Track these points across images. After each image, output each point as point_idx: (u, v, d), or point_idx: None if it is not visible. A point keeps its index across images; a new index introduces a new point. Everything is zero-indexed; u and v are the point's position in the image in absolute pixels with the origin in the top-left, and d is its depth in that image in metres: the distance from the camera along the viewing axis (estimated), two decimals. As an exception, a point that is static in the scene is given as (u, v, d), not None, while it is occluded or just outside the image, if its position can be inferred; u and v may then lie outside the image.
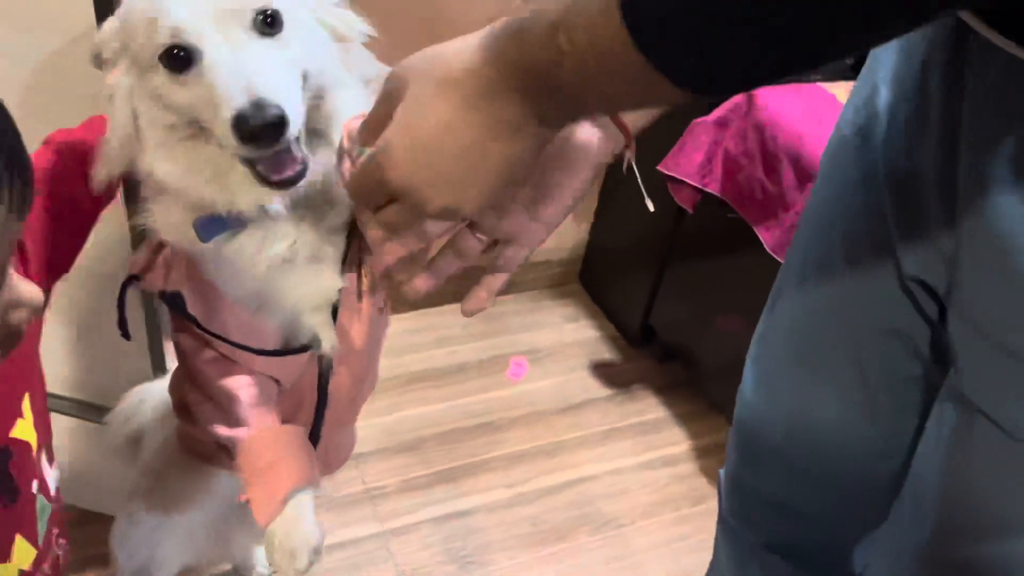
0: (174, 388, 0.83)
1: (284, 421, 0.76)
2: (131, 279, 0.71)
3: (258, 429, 0.72)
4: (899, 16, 0.36)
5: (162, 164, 0.62)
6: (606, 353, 1.70)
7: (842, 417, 0.72)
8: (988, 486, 0.59)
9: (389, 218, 0.50)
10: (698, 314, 1.55)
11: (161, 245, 0.70)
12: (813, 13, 0.35)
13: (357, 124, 0.55)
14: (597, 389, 1.61)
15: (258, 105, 0.54)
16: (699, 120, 1.32)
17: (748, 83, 0.45)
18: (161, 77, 0.59)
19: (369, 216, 0.52)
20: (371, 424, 1.45)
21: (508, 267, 0.58)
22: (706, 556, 0.97)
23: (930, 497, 0.64)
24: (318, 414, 0.79)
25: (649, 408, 1.59)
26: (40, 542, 0.60)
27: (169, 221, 0.66)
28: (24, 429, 0.58)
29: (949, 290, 0.58)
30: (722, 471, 0.90)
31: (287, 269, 0.67)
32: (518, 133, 0.45)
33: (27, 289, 0.47)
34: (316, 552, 0.69)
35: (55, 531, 0.63)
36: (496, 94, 0.44)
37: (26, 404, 0.59)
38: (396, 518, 1.32)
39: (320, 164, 0.63)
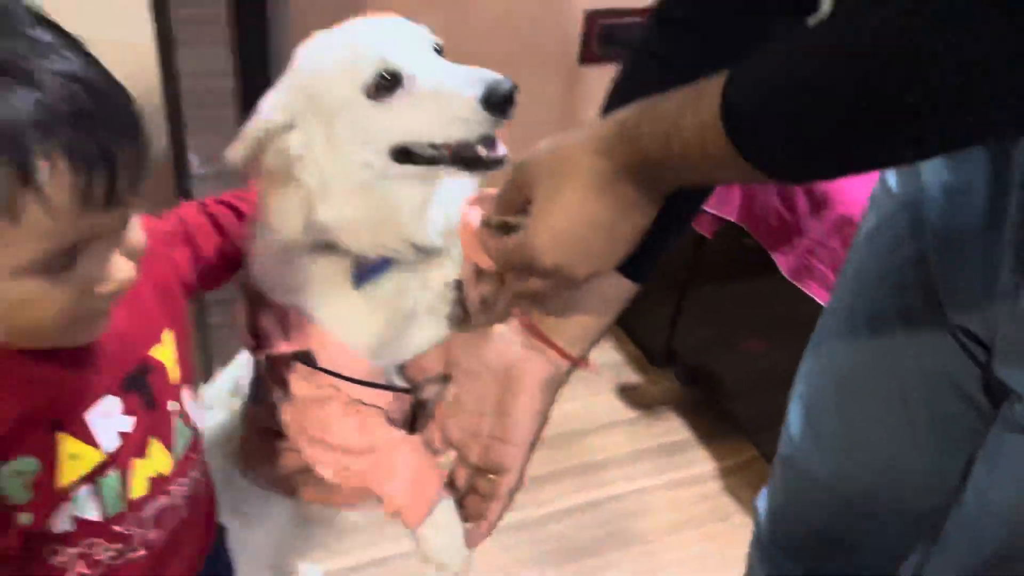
0: (255, 444, 0.86)
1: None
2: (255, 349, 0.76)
3: (400, 439, 0.75)
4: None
5: (344, 210, 0.67)
6: (631, 375, 1.75)
7: (891, 456, 0.76)
8: None
9: (536, 288, 0.61)
10: (719, 336, 1.59)
11: (256, 309, 0.75)
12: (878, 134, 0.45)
13: (476, 199, 0.67)
14: (623, 410, 1.66)
15: (497, 81, 0.61)
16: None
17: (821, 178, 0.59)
18: (364, 109, 0.64)
19: (513, 282, 0.64)
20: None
21: (503, 498, 0.71)
22: (732, 572, 1.01)
23: (990, 523, 0.67)
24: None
25: (673, 429, 1.63)
26: (176, 458, 0.65)
27: (318, 288, 0.71)
28: (163, 353, 0.65)
29: (993, 338, 0.64)
30: (760, 501, 0.93)
31: (411, 319, 0.73)
32: (637, 209, 0.57)
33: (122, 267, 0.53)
34: (465, 553, 0.73)
35: (193, 458, 0.68)
36: (618, 183, 0.55)
37: (167, 336, 0.65)
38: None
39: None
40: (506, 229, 0.62)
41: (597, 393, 1.69)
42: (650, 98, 0.54)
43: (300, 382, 0.73)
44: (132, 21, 1.15)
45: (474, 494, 0.73)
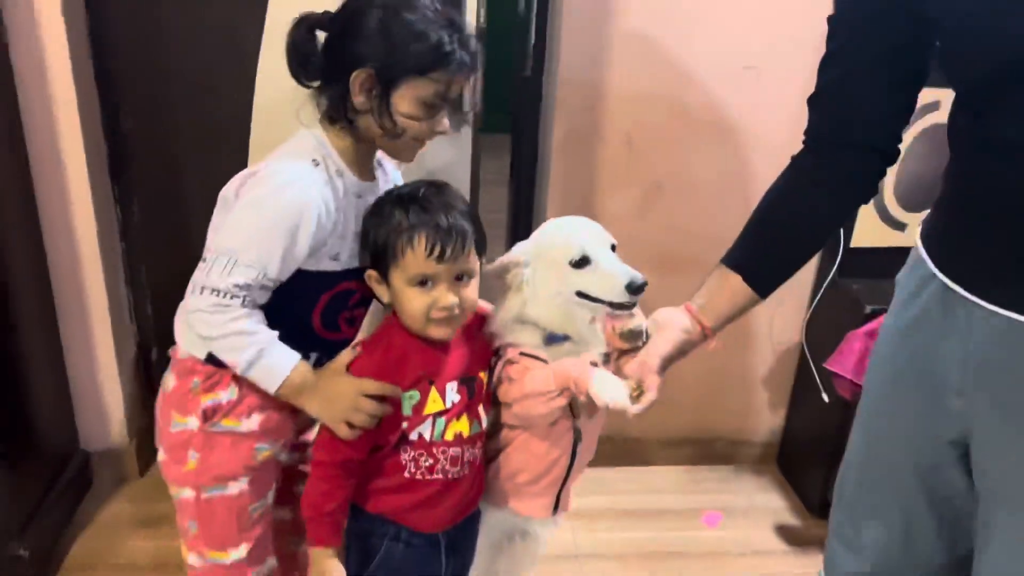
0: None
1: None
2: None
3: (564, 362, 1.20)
4: None
5: (542, 311, 1.23)
6: (790, 519, 2.07)
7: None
8: None
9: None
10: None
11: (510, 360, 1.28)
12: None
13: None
14: (776, 543, 1.98)
15: (636, 277, 1.16)
16: (852, 332, 1.78)
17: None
18: (562, 271, 1.20)
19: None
20: (595, 538, 1.95)
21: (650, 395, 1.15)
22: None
23: None
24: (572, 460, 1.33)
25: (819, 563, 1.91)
26: (470, 433, 1.19)
27: (526, 340, 1.25)
28: (481, 377, 1.21)
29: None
30: None
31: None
32: (702, 339, 1.12)
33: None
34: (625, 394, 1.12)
35: (476, 440, 1.21)
36: (699, 329, 1.12)
37: (483, 374, 1.22)
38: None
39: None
40: (629, 338, 1.17)
41: (757, 527, 2.03)
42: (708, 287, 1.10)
43: (522, 361, 1.23)
44: (460, 169, 1.83)
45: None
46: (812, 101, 1.05)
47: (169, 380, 1.23)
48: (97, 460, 2.05)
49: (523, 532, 1.45)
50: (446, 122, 1.15)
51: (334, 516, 1.17)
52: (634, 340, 1.18)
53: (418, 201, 1.12)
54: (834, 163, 1.03)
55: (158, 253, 2.00)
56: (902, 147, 1.81)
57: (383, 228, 1.13)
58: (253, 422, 1.21)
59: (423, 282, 1.12)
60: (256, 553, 1.27)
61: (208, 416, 1.20)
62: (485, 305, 1.28)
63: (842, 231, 1.90)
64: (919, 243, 1.05)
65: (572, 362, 1.17)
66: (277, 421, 1.23)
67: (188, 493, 1.23)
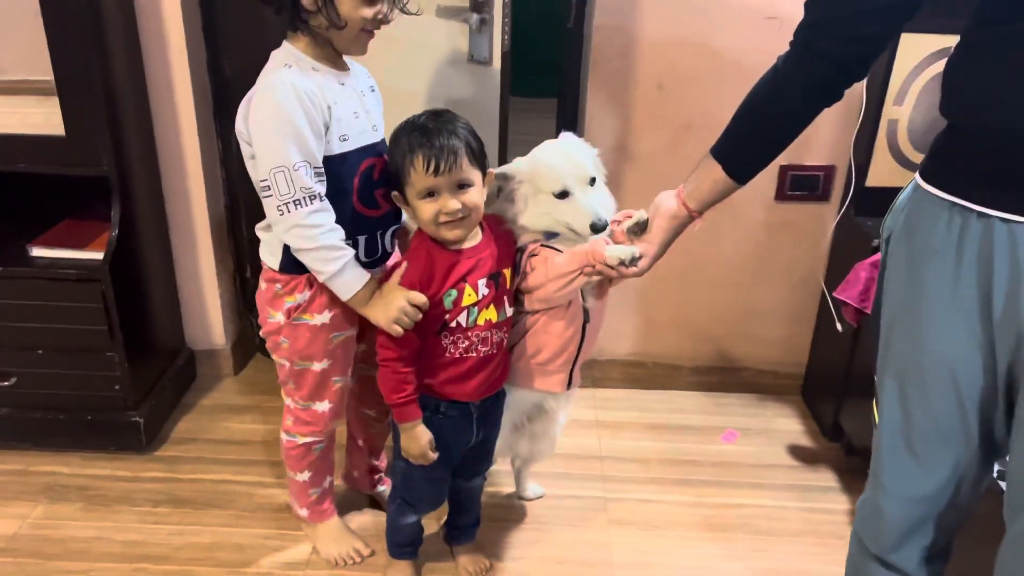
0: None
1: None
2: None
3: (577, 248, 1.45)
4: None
5: (529, 219, 1.48)
6: (803, 441, 2.24)
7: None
8: None
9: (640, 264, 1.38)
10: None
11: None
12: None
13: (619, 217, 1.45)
14: (785, 459, 2.16)
15: (599, 220, 1.42)
16: (860, 263, 1.92)
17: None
18: (548, 197, 1.46)
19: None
20: (618, 444, 2.18)
21: (646, 264, 1.39)
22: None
23: None
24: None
25: (824, 478, 2.09)
26: (498, 319, 1.46)
27: (527, 238, 1.51)
28: (505, 273, 1.47)
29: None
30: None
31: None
32: (689, 221, 1.32)
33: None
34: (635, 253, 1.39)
35: (502, 326, 1.49)
36: (685, 212, 1.32)
37: (507, 271, 1.48)
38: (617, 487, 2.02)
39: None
40: (635, 232, 1.38)
41: (770, 445, 2.21)
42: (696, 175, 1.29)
43: (542, 252, 1.49)
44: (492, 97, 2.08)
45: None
46: (808, 4, 1.13)
47: (261, 284, 1.57)
48: (200, 358, 2.43)
49: (540, 410, 1.71)
50: (384, 9, 1.39)
51: (411, 397, 1.48)
52: (638, 232, 1.41)
53: (418, 128, 1.38)
54: (809, 70, 1.15)
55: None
56: (913, 91, 1.94)
57: (395, 154, 1.40)
58: (325, 316, 1.53)
59: (430, 194, 1.38)
60: (334, 410, 1.65)
61: (291, 313, 1.53)
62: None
63: (855, 172, 2.04)
64: (924, 182, 1.11)
65: (586, 244, 1.44)
66: (344, 315, 1.54)
67: (286, 364, 1.59)
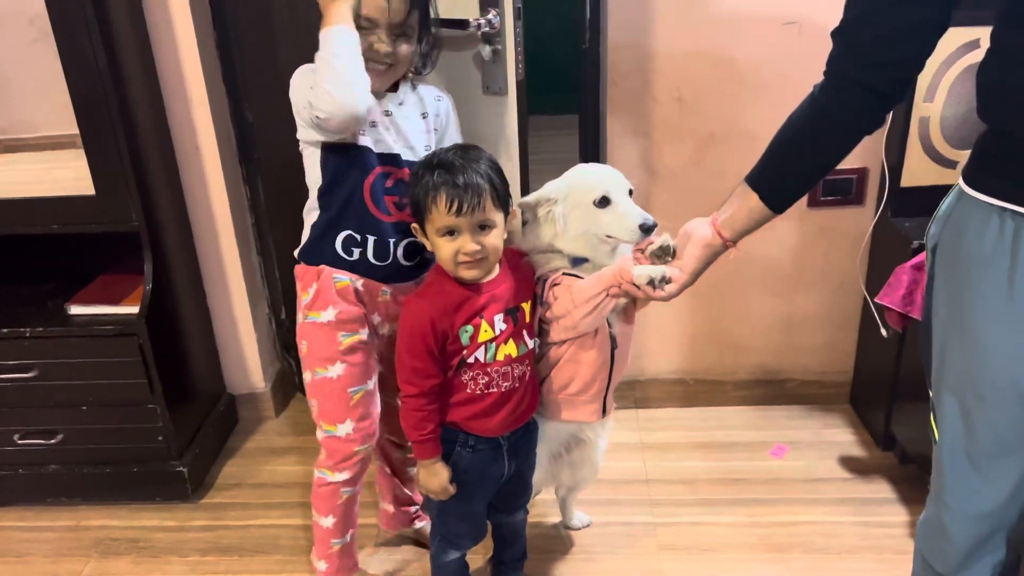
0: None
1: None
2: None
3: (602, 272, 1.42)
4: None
5: (570, 243, 1.47)
6: (856, 451, 2.17)
7: None
8: None
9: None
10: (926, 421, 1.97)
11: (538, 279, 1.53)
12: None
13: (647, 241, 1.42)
14: (838, 472, 2.09)
15: (647, 220, 1.40)
16: (900, 266, 1.86)
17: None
18: (588, 210, 1.43)
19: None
20: (664, 466, 2.14)
21: (676, 289, 1.35)
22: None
23: None
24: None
25: (879, 490, 2.02)
26: (518, 353, 1.45)
27: (556, 264, 1.50)
28: (525, 307, 1.46)
29: None
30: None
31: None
32: (723, 249, 1.28)
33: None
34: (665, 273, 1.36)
35: (525, 359, 1.47)
36: (720, 241, 1.28)
37: (526, 304, 1.46)
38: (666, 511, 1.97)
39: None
40: (659, 255, 1.35)
41: (822, 459, 2.14)
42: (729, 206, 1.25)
43: (564, 280, 1.47)
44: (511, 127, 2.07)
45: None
46: (835, 35, 1.10)
47: None
48: (241, 402, 2.44)
49: (577, 439, 1.68)
50: (374, 39, 1.41)
51: (432, 435, 1.46)
52: (661, 256, 1.38)
53: (444, 164, 1.36)
54: (847, 100, 1.11)
55: (282, 225, 2.35)
56: (944, 86, 1.89)
57: (417, 188, 1.38)
58: (330, 313, 1.53)
59: (450, 232, 1.36)
60: (360, 432, 1.60)
61: (305, 312, 1.56)
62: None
63: (889, 173, 1.98)
64: (969, 188, 1.07)
65: (611, 266, 1.41)
66: (351, 314, 1.54)
67: (308, 376, 1.59)
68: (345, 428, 1.59)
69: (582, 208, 1.45)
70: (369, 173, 1.48)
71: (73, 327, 1.98)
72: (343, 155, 1.46)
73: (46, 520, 2.09)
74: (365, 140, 1.47)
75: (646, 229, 1.39)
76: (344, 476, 1.63)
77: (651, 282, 1.33)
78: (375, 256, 1.52)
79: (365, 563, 1.84)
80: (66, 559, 1.96)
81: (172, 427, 2.06)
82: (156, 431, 2.05)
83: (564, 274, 1.48)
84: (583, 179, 1.47)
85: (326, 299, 1.53)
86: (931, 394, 1.20)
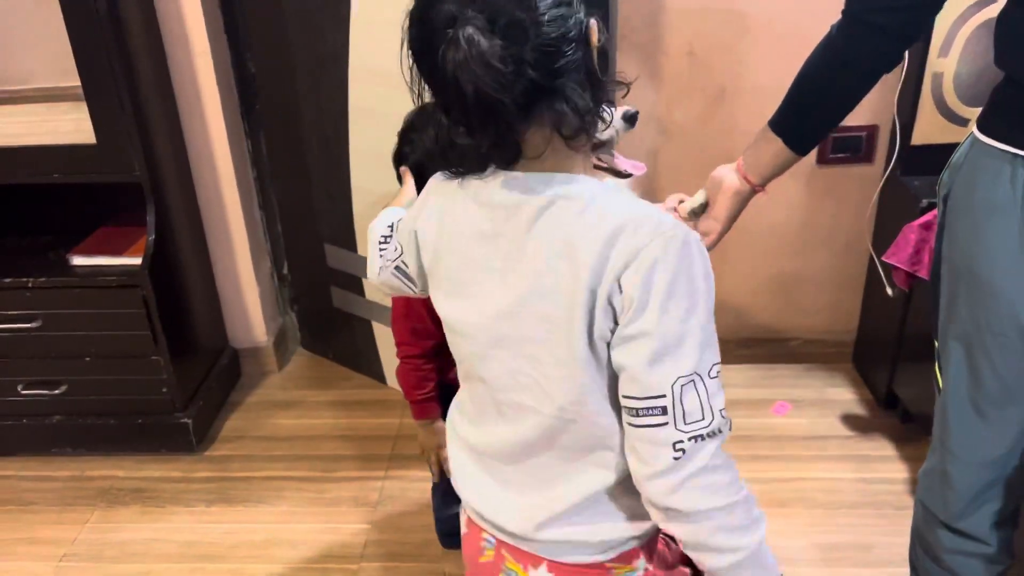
0: None
1: None
2: None
3: None
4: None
5: None
6: (857, 410, 2.18)
7: None
8: None
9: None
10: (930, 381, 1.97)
11: None
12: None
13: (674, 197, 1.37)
14: (840, 430, 2.11)
15: (630, 110, 1.23)
16: (908, 224, 1.85)
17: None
18: None
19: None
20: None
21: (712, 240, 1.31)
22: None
23: None
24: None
25: (880, 447, 2.03)
26: None
27: None
28: None
29: None
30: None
31: None
32: (752, 194, 1.23)
33: None
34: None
35: None
36: (748, 186, 1.22)
37: None
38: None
39: None
40: (696, 213, 1.33)
41: (823, 416, 2.16)
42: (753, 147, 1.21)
43: None
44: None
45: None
46: None
47: None
48: (244, 356, 2.44)
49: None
50: None
51: (433, 392, 1.46)
52: (699, 213, 1.36)
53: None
54: (862, 42, 1.10)
55: (283, 179, 2.33)
56: (959, 41, 1.85)
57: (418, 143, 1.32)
58: None
59: None
60: None
61: None
62: None
63: (900, 131, 1.96)
64: (983, 136, 1.06)
65: None
66: None
67: None
68: None
69: None
70: None
71: (76, 277, 1.97)
72: None
73: (51, 470, 2.10)
74: None
75: (628, 117, 1.25)
76: None
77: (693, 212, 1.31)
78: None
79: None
80: (72, 508, 1.98)
81: (176, 379, 2.06)
82: (160, 383, 2.05)
83: None
84: None
85: None
86: (936, 344, 1.20)
